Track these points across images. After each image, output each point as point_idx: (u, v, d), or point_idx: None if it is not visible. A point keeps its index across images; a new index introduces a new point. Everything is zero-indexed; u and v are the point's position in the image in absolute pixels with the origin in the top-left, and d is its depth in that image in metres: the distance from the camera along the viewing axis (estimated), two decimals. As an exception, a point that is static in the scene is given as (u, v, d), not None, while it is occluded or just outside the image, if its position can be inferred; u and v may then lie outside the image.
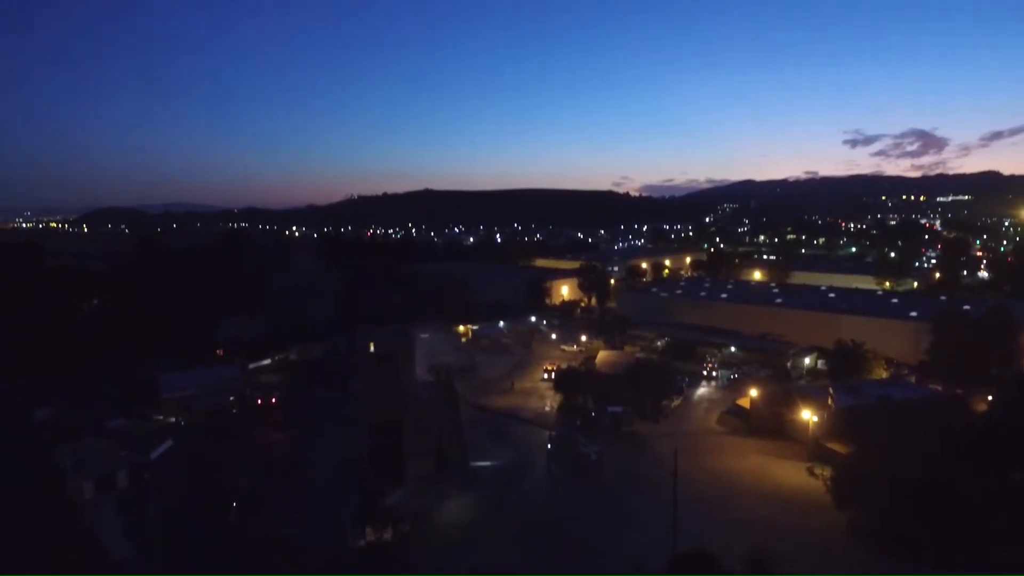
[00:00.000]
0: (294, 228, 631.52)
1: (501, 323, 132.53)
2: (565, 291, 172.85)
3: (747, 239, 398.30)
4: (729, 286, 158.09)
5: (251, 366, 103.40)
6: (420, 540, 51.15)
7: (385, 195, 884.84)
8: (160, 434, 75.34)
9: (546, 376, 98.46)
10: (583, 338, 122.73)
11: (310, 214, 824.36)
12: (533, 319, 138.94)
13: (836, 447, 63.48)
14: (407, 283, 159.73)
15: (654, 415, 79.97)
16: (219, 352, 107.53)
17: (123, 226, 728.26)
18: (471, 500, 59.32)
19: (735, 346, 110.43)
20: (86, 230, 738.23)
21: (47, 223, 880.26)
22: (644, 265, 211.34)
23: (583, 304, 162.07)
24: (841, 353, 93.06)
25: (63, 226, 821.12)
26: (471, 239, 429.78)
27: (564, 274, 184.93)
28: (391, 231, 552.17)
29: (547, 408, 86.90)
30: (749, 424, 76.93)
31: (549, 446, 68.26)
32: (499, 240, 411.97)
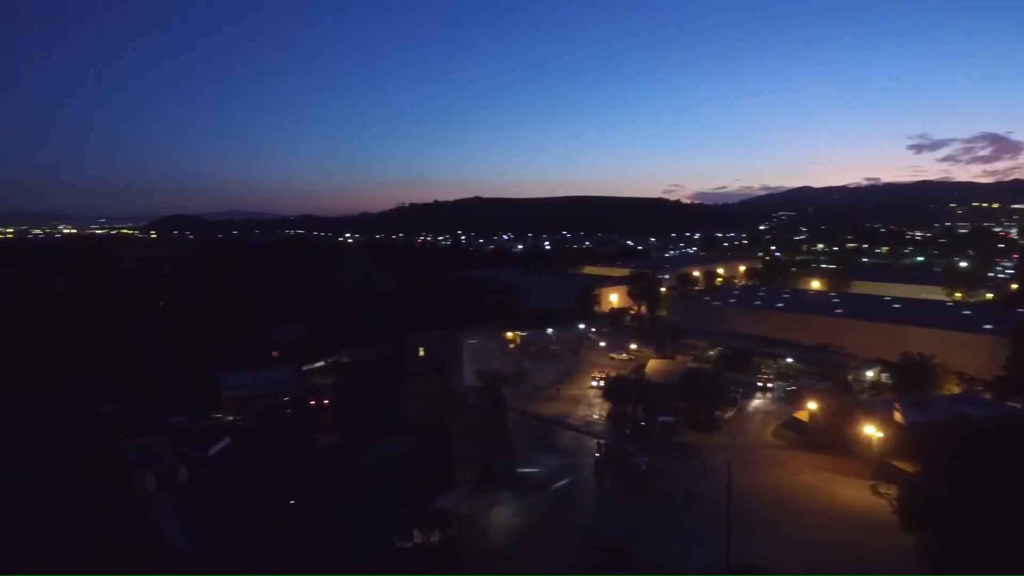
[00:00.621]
0: (347, 235, 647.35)
1: (549, 330, 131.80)
2: (614, 299, 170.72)
3: (804, 247, 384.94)
4: (786, 295, 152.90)
5: (305, 368, 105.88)
6: (467, 544, 50.99)
7: (436, 203, 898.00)
8: (218, 432, 77.86)
9: (595, 384, 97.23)
10: (633, 346, 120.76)
11: (363, 221, 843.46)
12: (582, 326, 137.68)
13: (903, 465, 60.08)
14: (456, 289, 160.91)
15: (707, 426, 77.74)
16: (274, 354, 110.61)
17: (188, 233, 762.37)
18: (518, 507, 58.80)
19: (792, 357, 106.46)
20: (154, 236, 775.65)
21: (120, 230, 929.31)
22: (696, 273, 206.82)
23: (633, 312, 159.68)
24: (908, 366, 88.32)
25: (134, 232, 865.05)
26: (519, 246, 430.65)
27: (613, 281, 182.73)
28: (441, 238, 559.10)
29: (595, 416, 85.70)
30: (807, 438, 73.78)
31: (598, 455, 67.16)
32: (547, 247, 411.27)
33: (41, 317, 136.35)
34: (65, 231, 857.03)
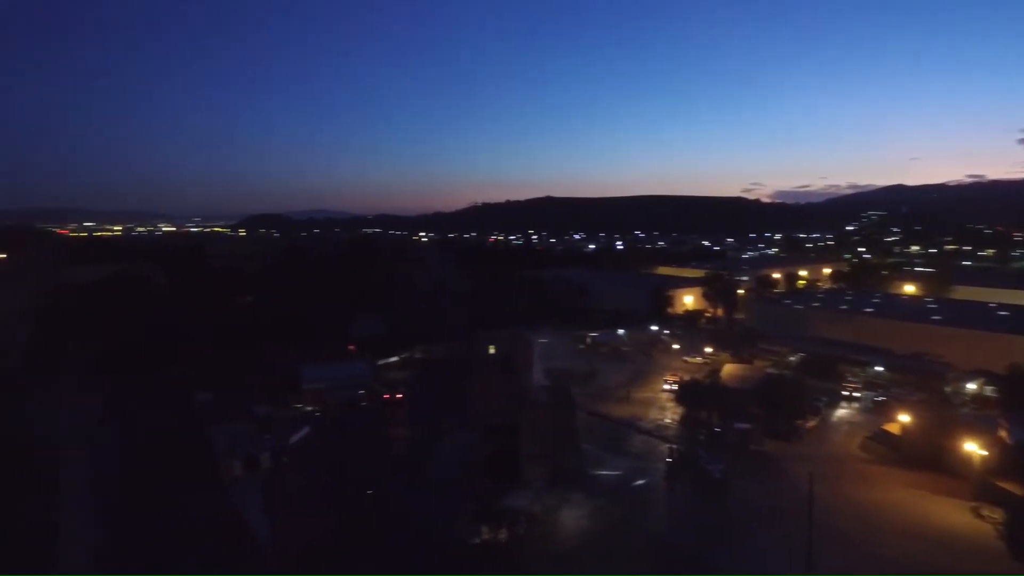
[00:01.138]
0: (422, 234, 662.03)
1: (621, 331, 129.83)
2: (689, 300, 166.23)
3: (897, 249, 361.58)
4: (876, 299, 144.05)
5: (379, 363, 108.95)
6: (534, 544, 50.88)
7: (508, 202, 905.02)
8: (298, 422, 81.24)
9: (667, 387, 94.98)
10: (708, 350, 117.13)
11: (437, 220, 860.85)
12: (654, 328, 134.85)
13: (1011, 487, 55.25)
14: (527, 289, 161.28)
15: (786, 435, 74.27)
16: (351, 348, 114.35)
17: (274, 231, 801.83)
18: (587, 509, 58.16)
19: (882, 365, 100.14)
20: (243, 234, 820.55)
21: (213, 228, 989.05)
22: (776, 275, 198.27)
23: (708, 315, 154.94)
24: (1016, 380, 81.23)
25: (225, 231, 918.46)
26: (591, 246, 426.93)
27: (688, 283, 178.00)
28: (513, 238, 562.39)
29: (668, 420, 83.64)
30: (898, 452, 69.11)
31: (670, 460, 65.49)
32: (620, 247, 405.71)
33: (144, 308, 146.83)
34: (165, 229, 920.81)
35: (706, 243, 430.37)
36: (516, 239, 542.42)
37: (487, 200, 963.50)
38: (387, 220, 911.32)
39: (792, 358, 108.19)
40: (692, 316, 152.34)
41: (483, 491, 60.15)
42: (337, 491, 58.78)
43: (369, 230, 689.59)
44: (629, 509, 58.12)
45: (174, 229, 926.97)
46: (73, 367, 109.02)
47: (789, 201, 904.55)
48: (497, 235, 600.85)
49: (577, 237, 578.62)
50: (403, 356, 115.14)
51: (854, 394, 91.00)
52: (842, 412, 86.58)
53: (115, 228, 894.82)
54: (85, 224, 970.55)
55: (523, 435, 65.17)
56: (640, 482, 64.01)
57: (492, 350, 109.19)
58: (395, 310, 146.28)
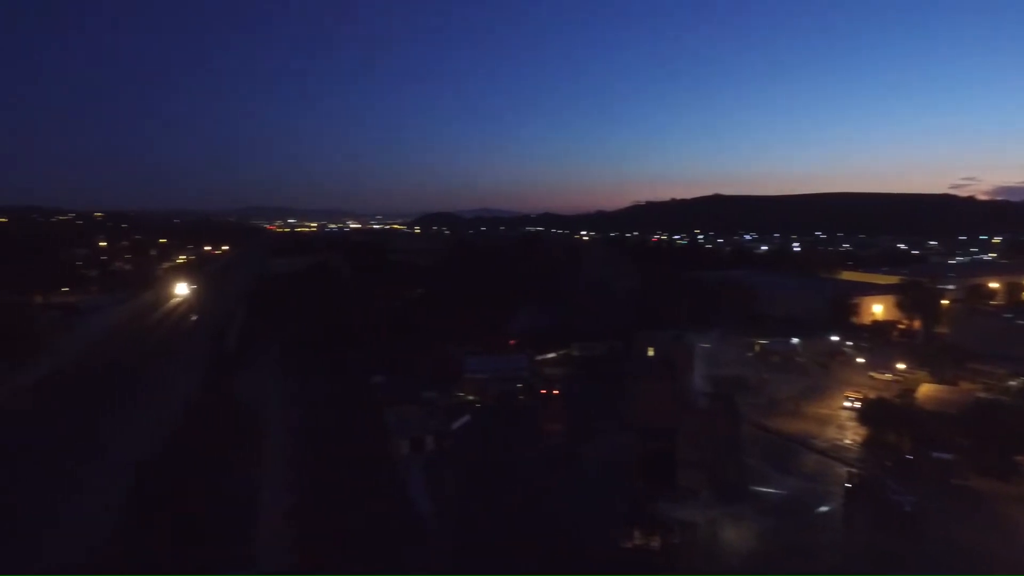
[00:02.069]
0: (583, 233, 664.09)
1: (795, 339, 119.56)
2: (878, 309, 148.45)
3: None
4: None
5: (537, 358, 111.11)
6: (688, 554, 48.67)
7: (672, 201, 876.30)
8: (460, 409, 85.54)
9: (848, 404, 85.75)
10: (900, 366, 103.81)
11: (598, 219, 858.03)
12: (835, 338, 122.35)
13: None
14: (690, 290, 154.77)
15: (1000, 471, 63.37)
16: (511, 342, 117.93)
17: (444, 228, 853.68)
18: (747, 526, 54.31)
19: None
20: (418, 231, 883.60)
21: (392, 225, 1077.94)
22: (993, 285, 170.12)
23: (902, 326, 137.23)
24: None
25: (402, 228, 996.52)
26: (764, 247, 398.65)
27: (878, 290, 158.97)
28: (677, 237, 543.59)
29: (847, 441, 75.41)
30: None
31: (849, 485, 58.99)
32: (796, 249, 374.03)
33: (333, 296, 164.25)
34: (352, 225, 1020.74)
35: (902, 246, 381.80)
36: (681, 239, 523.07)
37: (650, 199, 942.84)
38: (550, 219, 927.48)
39: (1012, 382, 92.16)
40: (881, 327, 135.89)
41: (637, 494, 58.84)
42: (494, 478, 60.98)
43: (532, 228, 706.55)
44: (795, 531, 53.32)
45: (359, 226, 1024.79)
46: (275, 344, 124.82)
47: (1013, 199, 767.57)
48: (660, 235, 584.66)
49: (748, 238, 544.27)
50: (560, 353, 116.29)
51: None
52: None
53: (311, 224, 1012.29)
54: (288, 221, 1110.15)
55: (681, 441, 62.58)
56: (812, 505, 58.42)
57: (651, 352, 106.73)
58: (555, 307, 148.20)
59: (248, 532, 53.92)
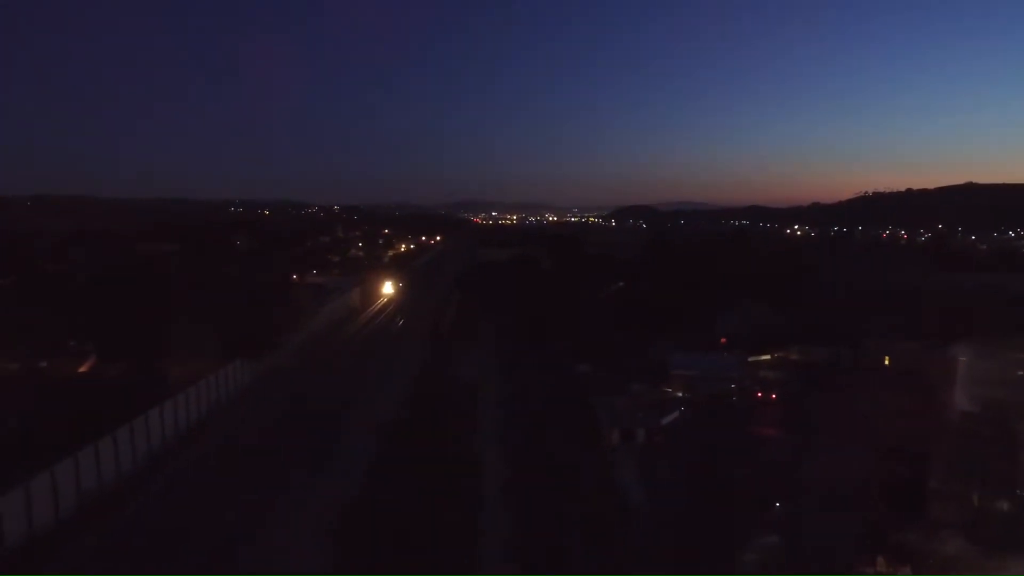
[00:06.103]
0: (795, 227, 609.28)
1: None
2: None
3: None
4: None
5: (750, 359, 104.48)
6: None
7: (909, 191, 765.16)
8: (668, 405, 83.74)
9: None
10: None
11: (813, 212, 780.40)
12: None
13: None
14: (941, 294, 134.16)
15: None
16: (722, 340, 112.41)
17: (641, 221, 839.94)
18: (1014, 565, 45.63)
19: None
20: (613, 224, 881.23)
21: (588, 218, 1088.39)
22: None
23: None
24: None
25: (598, 220, 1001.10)
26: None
27: None
28: (921, 232, 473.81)
29: None
30: None
31: None
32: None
33: (537, 285, 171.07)
34: (549, 218, 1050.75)
35: None
36: (922, 235, 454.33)
37: (880, 188, 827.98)
38: (757, 212, 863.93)
39: None
40: None
41: (874, 519, 52.75)
42: (711, 478, 58.82)
43: (737, 222, 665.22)
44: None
45: (556, 218, 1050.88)
46: (488, 330, 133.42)
47: None
48: (892, 228, 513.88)
49: (1011, 234, 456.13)
50: (776, 355, 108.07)
51: None
52: None
53: (511, 217, 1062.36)
54: (492, 213, 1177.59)
55: (935, 465, 54.68)
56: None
57: (887, 361, 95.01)
58: (767, 306, 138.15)
59: (475, 495, 58.16)
